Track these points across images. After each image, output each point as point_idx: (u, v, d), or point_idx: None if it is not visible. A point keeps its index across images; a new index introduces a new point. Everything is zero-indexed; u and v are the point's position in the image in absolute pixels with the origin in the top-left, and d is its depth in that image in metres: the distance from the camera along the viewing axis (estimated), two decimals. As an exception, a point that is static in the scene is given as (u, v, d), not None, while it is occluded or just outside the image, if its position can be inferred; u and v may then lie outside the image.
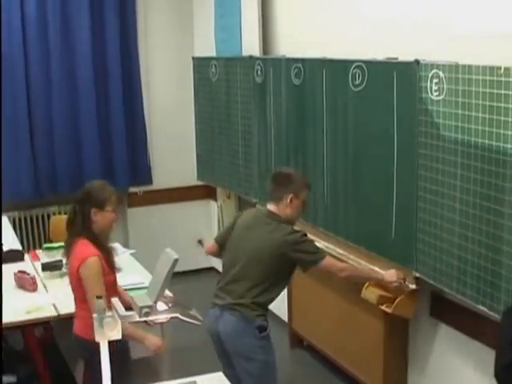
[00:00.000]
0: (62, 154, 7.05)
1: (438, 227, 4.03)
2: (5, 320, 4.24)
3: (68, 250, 3.89)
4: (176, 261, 2.90)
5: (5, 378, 4.96)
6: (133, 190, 7.51)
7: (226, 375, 3.79)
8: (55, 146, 7.03)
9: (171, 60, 7.54)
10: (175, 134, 7.51)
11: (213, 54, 6.90)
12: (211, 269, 7.48)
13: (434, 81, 3.91)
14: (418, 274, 4.26)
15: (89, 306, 3.68)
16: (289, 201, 4.08)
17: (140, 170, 7.49)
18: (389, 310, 4.39)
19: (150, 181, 7.56)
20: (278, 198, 4.11)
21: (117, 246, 5.88)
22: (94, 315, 3.08)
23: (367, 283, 4.58)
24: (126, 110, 7.29)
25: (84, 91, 7.05)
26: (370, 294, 4.54)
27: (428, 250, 4.13)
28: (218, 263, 7.51)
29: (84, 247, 3.81)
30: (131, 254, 5.57)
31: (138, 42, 7.32)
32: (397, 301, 4.35)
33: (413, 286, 4.32)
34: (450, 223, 3.92)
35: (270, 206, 4.15)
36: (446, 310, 4.32)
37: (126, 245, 6.57)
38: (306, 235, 4.06)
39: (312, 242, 4.11)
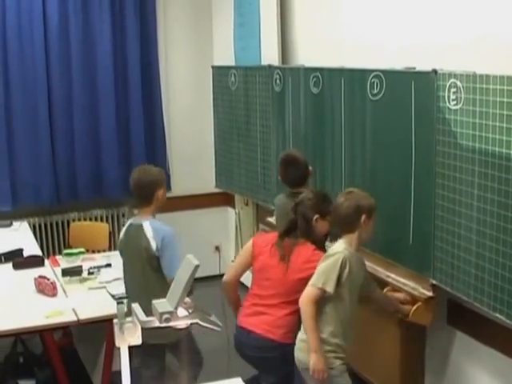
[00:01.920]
0: (82, 160, 7.10)
1: (456, 235, 4.03)
2: (24, 324, 4.33)
3: (285, 249, 4.06)
4: (197, 267, 2.92)
5: (24, 382, 5.02)
6: (151, 196, 7.54)
7: None
8: (75, 152, 7.08)
9: (191, 69, 7.58)
10: (194, 141, 7.55)
11: (232, 63, 6.94)
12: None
13: (452, 90, 3.93)
14: (434, 282, 4.27)
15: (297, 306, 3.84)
16: None
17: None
18: (406, 318, 4.39)
19: (168, 188, 7.58)
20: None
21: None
22: (115, 320, 3.11)
23: (385, 289, 4.59)
24: (146, 117, 7.33)
25: (104, 98, 7.11)
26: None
27: (445, 257, 4.14)
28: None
29: (315, 252, 4.02)
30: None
31: (158, 51, 7.37)
32: (414, 308, 4.33)
33: (430, 294, 4.33)
34: (467, 231, 3.93)
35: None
36: (463, 318, 4.33)
37: (144, 251, 6.59)
38: None
39: None
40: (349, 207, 3.81)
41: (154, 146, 7.46)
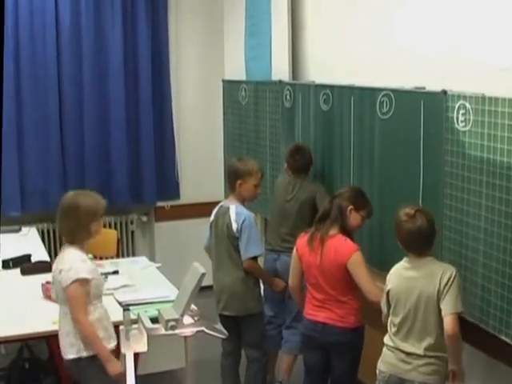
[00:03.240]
0: (91, 166, 7.16)
1: (463, 256, 4.03)
2: (30, 330, 4.33)
3: (315, 240, 4.28)
4: (203, 275, 2.93)
5: (30, 388, 5.02)
6: (160, 204, 7.56)
7: None
8: (85, 158, 7.15)
9: (201, 79, 7.65)
10: (203, 149, 7.56)
11: (243, 77, 6.95)
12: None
13: (461, 112, 3.93)
14: None
15: (350, 296, 4.25)
16: None
17: (168, 184, 7.53)
18: None
19: (177, 195, 7.59)
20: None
21: (143, 259, 5.93)
22: (121, 327, 3.11)
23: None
24: (156, 125, 7.41)
25: (115, 106, 7.18)
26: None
27: None
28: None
29: (347, 241, 4.25)
30: (157, 268, 5.60)
31: (169, 64, 7.46)
32: None
33: None
34: (473, 253, 3.93)
35: None
36: (471, 332, 4.29)
37: (152, 258, 6.59)
38: None
39: None
40: (429, 224, 3.80)
41: (164, 153, 7.50)
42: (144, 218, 7.65)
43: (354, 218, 4.32)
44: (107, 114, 7.18)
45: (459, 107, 3.94)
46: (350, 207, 4.29)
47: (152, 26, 7.28)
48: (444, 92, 4.05)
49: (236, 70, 7.14)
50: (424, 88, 4.36)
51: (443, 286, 3.70)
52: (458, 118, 3.95)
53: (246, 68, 6.97)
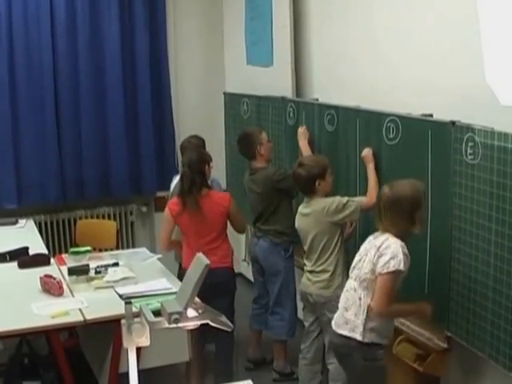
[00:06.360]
0: (89, 157, 7.13)
1: (472, 290, 3.99)
2: (29, 325, 4.24)
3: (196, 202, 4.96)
4: (207, 266, 2.83)
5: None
6: (160, 194, 7.46)
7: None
8: (83, 149, 7.12)
9: (201, 69, 7.67)
10: (203, 137, 7.46)
11: (244, 90, 6.88)
12: (239, 275, 7.38)
13: (469, 144, 3.86)
14: (450, 334, 4.23)
15: (227, 238, 5.14)
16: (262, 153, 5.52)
17: (168, 173, 7.44)
18: (420, 368, 4.29)
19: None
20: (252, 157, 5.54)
21: (144, 250, 5.83)
22: (123, 321, 3.01)
23: (399, 338, 4.48)
24: (155, 114, 7.37)
25: (112, 95, 7.14)
26: (404, 350, 4.45)
27: (461, 311, 4.10)
28: (246, 270, 7.42)
29: (220, 193, 5.32)
30: (158, 259, 5.51)
31: (167, 53, 7.45)
32: (429, 359, 4.26)
33: (444, 345, 4.26)
34: (482, 287, 3.89)
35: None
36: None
37: (152, 249, 6.51)
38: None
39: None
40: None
41: (163, 142, 7.48)
42: (144, 209, 7.58)
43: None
44: (105, 103, 7.11)
45: (467, 139, 3.87)
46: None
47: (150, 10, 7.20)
48: (452, 123, 3.98)
49: (238, 82, 7.09)
50: (431, 115, 4.29)
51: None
52: (466, 151, 3.89)
53: (247, 54, 6.88)
